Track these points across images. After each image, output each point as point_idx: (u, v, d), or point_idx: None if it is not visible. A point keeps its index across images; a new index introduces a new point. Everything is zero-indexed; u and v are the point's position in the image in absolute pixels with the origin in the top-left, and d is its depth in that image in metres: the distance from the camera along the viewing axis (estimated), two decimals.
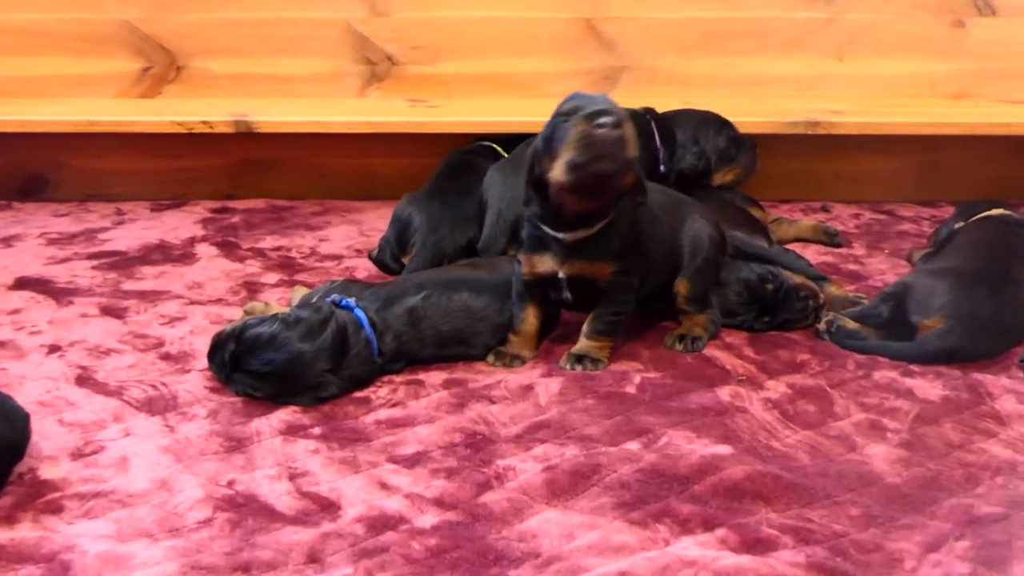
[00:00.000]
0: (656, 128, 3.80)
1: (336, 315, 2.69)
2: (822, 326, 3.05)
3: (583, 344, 2.87)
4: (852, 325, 3.02)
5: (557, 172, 2.65)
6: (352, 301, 2.78)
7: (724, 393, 2.70)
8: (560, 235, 2.78)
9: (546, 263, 2.82)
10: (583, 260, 2.79)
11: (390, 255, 3.54)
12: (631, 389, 2.72)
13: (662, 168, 3.79)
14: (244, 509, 2.23)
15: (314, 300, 2.84)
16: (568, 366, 2.83)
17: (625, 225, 2.81)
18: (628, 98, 4.28)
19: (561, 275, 2.81)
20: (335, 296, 2.79)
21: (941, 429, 2.57)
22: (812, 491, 2.29)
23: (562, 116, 2.66)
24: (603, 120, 2.59)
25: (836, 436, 2.53)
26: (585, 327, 2.88)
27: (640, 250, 2.86)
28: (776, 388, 2.75)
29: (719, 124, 3.84)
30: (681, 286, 3.00)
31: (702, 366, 2.86)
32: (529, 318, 2.89)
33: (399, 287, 2.88)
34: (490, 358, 2.87)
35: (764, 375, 2.83)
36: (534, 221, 2.82)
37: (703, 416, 2.59)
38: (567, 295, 2.86)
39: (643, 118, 3.78)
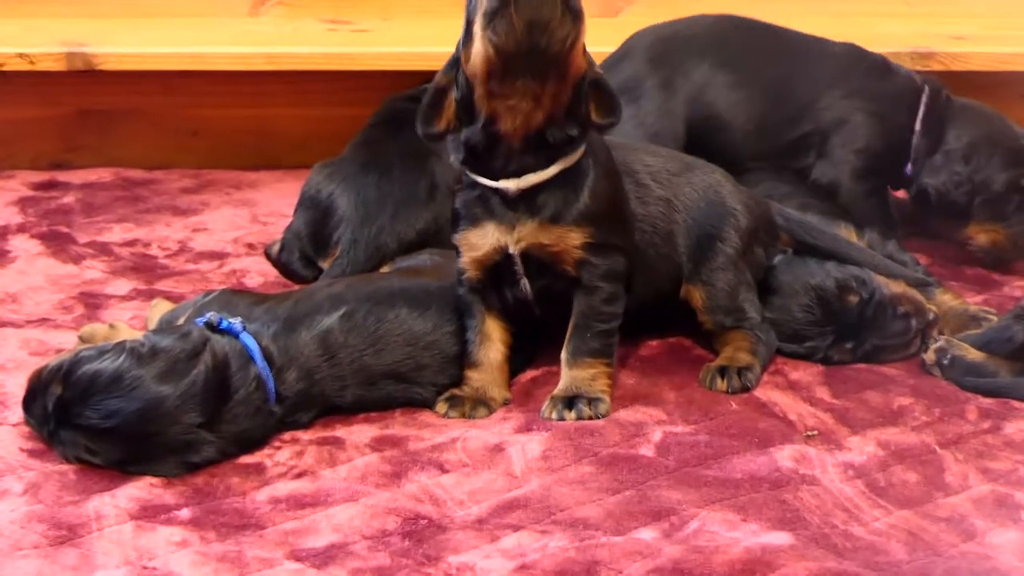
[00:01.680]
0: (926, 107, 3.76)
1: (213, 343, 2.72)
2: (930, 356, 3.10)
3: (568, 377, 2.92)
4: (974, 355, 3.07)
5: (476, 47, 2.74)
6: (237, 322, 2.82)
7: (784, 456, 2.75)
8: (501, 185, 2.85)
9: (488, 236, 2.88)
10: (538, 222, 2.84)
11: (299, 256, 3.59)
12: (647, 450, 2.77)
13: (909, 168, 3.77)
14: None
15: (181, 321, 2.88)
16: (554, 414, 2.87)
17: (595, 167, 2.88)
18: (648, 17, 4.35)
19: (511, 250, 2.87)
20: (212, 315, 2.82)
21: None
22: None
23: None
24: None
25: (947, 518, 2.58)
26: (565, 352, 2.93)
27: (621, 214, 2.92)
28: (861, 448, 2.80)
29: (1014, 156, 3.72)
30: (694, 294, 3.08)
31: (753, 415, 2.91)
32: (490, 341, 2.94)
33: (307, 302, 2.93)
34: (440, 405, 2.92)
35: (844, 428, 2.88)
36: (467, 173, 2.89)
37: (752, 490, 2.63)
38: (525, 286, 2.91)
39: (913, 85, 3.79)
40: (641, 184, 3.03)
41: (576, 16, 2.71)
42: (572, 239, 2.85)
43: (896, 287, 3.19)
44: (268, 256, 3.69)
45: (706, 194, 3.13)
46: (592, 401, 2.88)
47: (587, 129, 2.86)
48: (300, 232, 3.58)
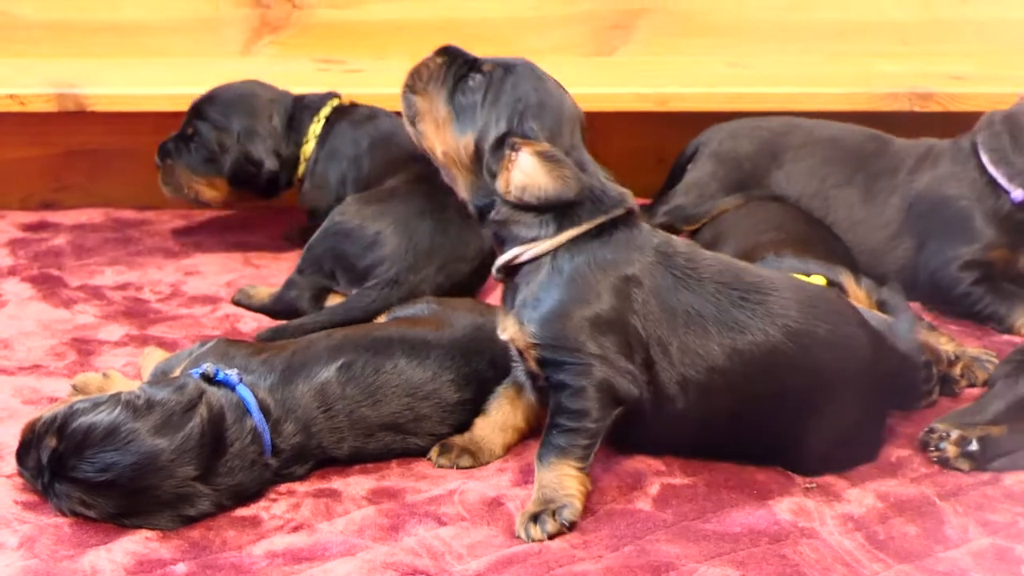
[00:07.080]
0: (1009, 135, 3.66)
1: (208, 395, 2.75)
2: (952, 450, 2.95)
3: (537, 484, 2.76)
4: (996, 431, 2.97)
5: None
6: (233, 374, 2.84)
7: (783, 508, 2.78)
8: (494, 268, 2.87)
9: (500, 317, 2.89)
10: (510, 313, 2.82)
11: (311, 296, 3.62)
12: (645, 503, 2.80)
13: (1014, 197, 3.62)
14: None
15: (176, 372, 2.91)
16: (523, 533, 2.69)
17: (554, 272, 2.77)
18: (645, 56, 4.40)
19: (501, 335, 2.86)
20: (208, 366, 2.85)
21: None
22: None
23: None
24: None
25: (947, 572, 2.60)
26: (538, 449, 2.80)
27: (584, 329, 2.74)
28: (860, 500, 2.83)
29: None
30: None
31: (752, 468, 2.93)
32: (505, 410, 2.96)
33: (304, 353, 2.96)
34: (433, 453, 2.95)
35: (843, 480, 2.91)
36: None
37: (751, 544, 2.66)
38: (521, 373, 2.90)
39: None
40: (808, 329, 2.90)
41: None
42: (525, 337, 2.78)
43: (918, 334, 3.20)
44: (239, 303, 3.72)
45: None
46: (557, 511, 2.70)
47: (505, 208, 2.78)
48: (327, 268, 3.64)
